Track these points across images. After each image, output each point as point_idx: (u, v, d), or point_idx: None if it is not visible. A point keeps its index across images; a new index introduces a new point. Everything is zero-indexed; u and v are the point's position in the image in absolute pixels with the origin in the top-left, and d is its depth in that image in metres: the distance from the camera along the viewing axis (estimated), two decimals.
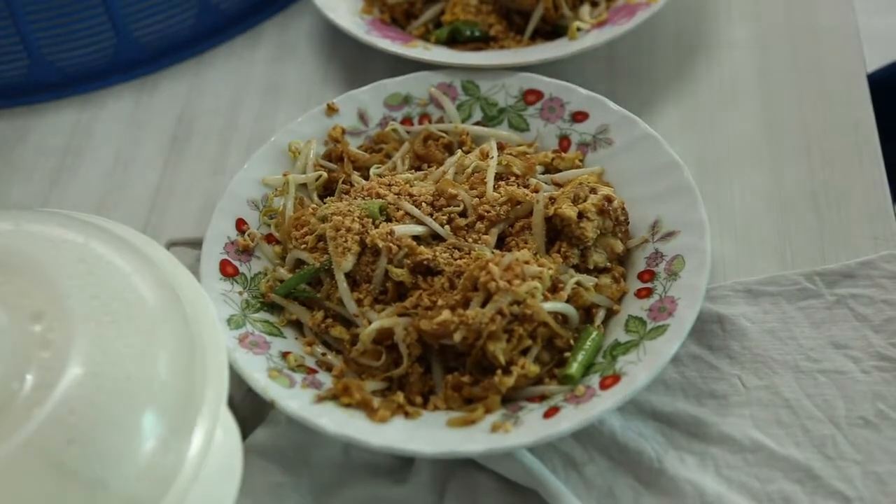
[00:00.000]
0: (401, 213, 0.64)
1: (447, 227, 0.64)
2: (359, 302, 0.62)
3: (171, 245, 0.70)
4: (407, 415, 0.58)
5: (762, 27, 0.83)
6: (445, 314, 0.58)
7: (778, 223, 0.70)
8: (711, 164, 0.74)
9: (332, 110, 0.74)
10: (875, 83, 0.79)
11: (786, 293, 0.65)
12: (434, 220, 0.64)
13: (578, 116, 0.72)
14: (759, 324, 0.63)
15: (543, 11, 0.79)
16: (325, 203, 0.68)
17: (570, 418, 0.55)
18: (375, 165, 0.71)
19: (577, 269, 0.63)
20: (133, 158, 0.81)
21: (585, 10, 0.80)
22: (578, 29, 0.78)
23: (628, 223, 0.65)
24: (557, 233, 0.63)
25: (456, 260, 0.62)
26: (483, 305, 0.58)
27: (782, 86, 0.79)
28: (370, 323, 0.61)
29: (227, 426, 0.50)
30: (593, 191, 0.64)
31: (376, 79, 0.77)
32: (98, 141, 0.83)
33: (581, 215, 0.62)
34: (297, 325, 0.65)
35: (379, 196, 0.65)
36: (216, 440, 0.46)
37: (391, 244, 0.62)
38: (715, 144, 0.75)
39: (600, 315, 0.62)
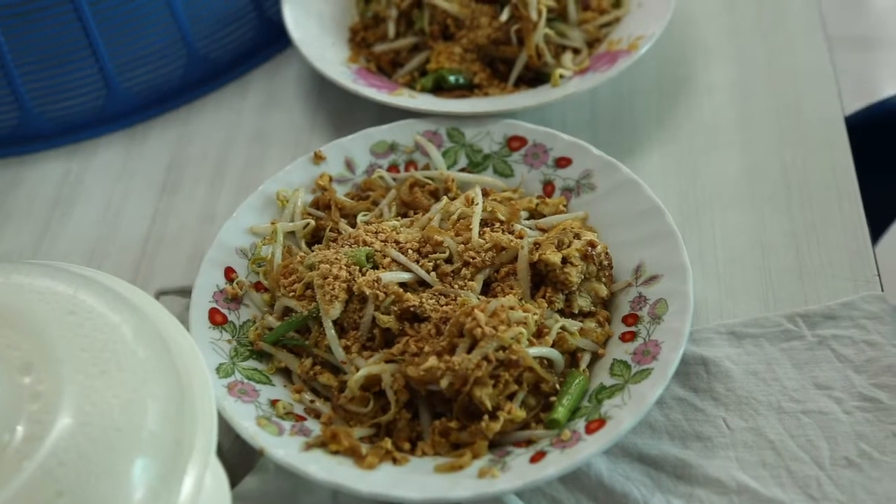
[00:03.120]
0: (387, 260, 0.65)
1: (433, 273, 0.65)
2: (346, 349, 0.63)
3: (160, 294, 0.70)
4: (395, 461, 0.58)
5: (741, 72, 0.85)
6: (432, 360, 0.58)
7: (759, 265, 0.71)
8: (693, 207, 0.75)
9: (319, 158, 0.75)
10: (854, 124, 0.81)
11: (768, 335, 0.65)
12: (420, 266, 0.65)
13: (562, 162, 0.73)
14: (742, 365, 0.64)
15: (527, 59, 0.81)
16: (312, 251, 0.69)
17: (557, 463, 0.55)
18: (362, 213, 0.72)
19: (562, 313, 0.64)
20: (123, 207, 0.82)
21: (568, 57, 0.82)
22: (561, 76, 0.79)
23: (612, 268, 0.66)
24: (542, 278, 0.64)
25: (442, 306, 0.63)
26: (469, 351, 0.59)
27: (762, 129, 0.80)
28: (358, 370, 0.61)
29: (217, 474, 0.50)
30: (577, 236, 0.65)
31: (363, 126, 0.78)
32: (88, 190, 0.84)
33: (565, 261, 0.63)
34: (286, 373, 0.65)
35: (366, 243, 0.66)
36: (205, 489, 0.47)
37: (378, 291, 0.62)
38: (696, 188, 0.77)
39: (585, 359, 0.63)
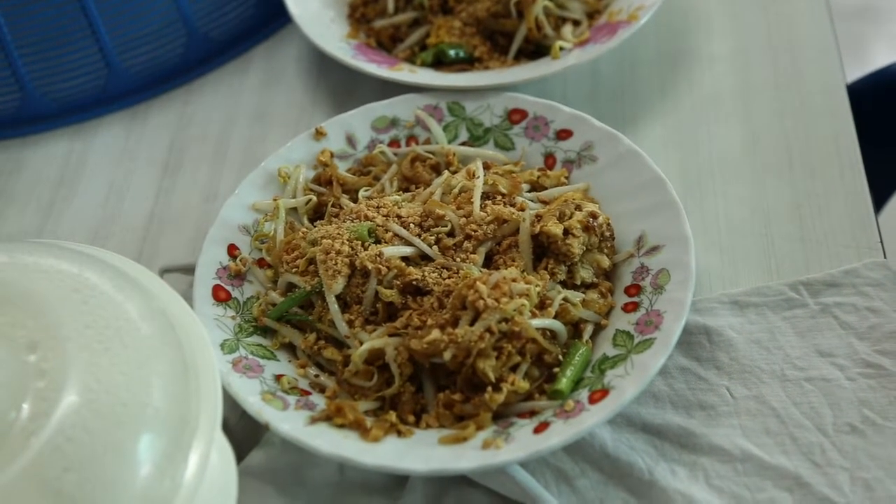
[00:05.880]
0: (389, 234, 0.65)
1: (435, 247, 0.65)
2: (350, 323, 0.63)
3: (164, 272, 0.71)
4: (399, 434, 0.59)
5: (742, 42, 0.85)
6: (435, 333, 0.59)
7: (762, 234, 0.71)
8: (695, 177, 0.75)
9: (320, 134, 0.75)
10: (855, 92, 0.80)
11: (771, 303, 0.65)
12: (422, 240, 0.65)
13: (563, 134, 0.73)
14: (745, 334, 0.64)
15: (526, 32, 0.81)
16: (315, 227, 0.69)
17: (560, 433, 0.56)
18: (364, 188, 0.72)
19: (565, 284, 0.64)
20: (126, 187, 0.82)
21: (568, 29, 0.81)
22: (561, 48, 0.79)
23: (614, 238, 0.66)
24: (544, 250, 0.64)
25: (445, 279, 0.63)
26: (472, 324, 0.59)
27: (763, 99, 0.80)
28: (361, 344, 0.61)
29: (222, 449, 0.51)
30: (578, 208, 0.65)
31: (363, 101, 0.78)
32: (91, 171, 0.84)
33: (567, 232, 0.63)
34: (290, 348, 0.66)
35: (367, 218, 0.66)
36: (211, 464, 0.47)
37: (380, 266, 0.63)
38: (698, 158, 0.76)
39: (588, 330, 0.63)
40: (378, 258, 0.63)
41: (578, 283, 0.64)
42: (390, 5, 0.86)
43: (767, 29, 0.85)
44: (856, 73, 0.83)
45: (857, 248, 0.69)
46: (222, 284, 0.67)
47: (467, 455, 0.56)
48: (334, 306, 0.63)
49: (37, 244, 0.55)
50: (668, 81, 0.82)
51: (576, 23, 0.83)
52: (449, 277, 0.63)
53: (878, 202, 0.76)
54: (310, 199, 0.71)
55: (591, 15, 0.84)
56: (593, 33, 0.80)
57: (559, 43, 0.79)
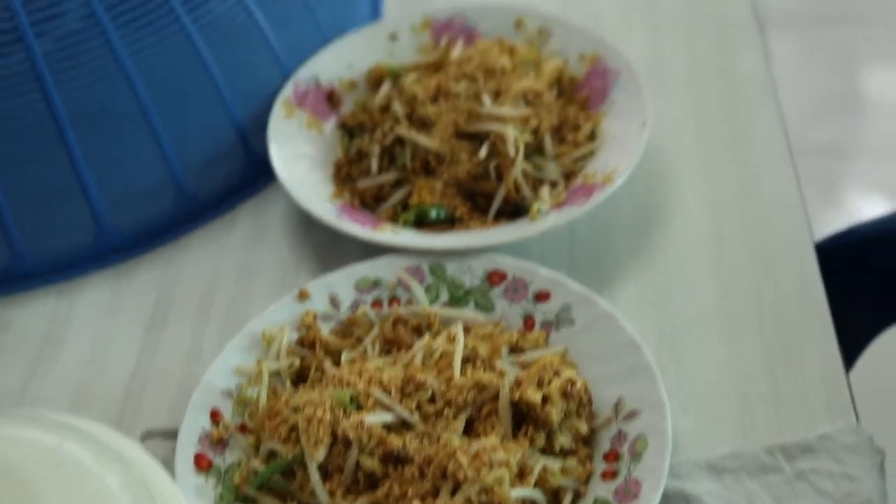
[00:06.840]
0: (371, 400, 0.66)
1: (416, 413, 0.66)
2: (331, 493, 0.63)
3: (146, 436, 0.71)
4: None
5: (714, 201, 0.87)
6: None
7: (736, 394, 0.72)
8: (670, 336, 0.77)
9: (304, 296, 0.77)
10: (825, 250, 0.83)
11: (747, 468, 0.66)
12: (403, 406, 0.66)
13: (541, 296, 0.75)
14: (723, 500, 0.64)
15: (505, 193, 0.83)
16: (298, 390, 0.70)
17: None
18: (347, 350, 0.73)
19: (544, 451, 0.65)
20: (110, 346, 0.83)
21: (545, 190, 0.84)
22: (539, 210, 0.81)
23: (591, 403, 0.67)
24: (524, 416, 0.65)
25: (425, 447, 0.63)
26: (453, 494, 0.59)
27: (735, 258, 0.82)
28: None
29: None
30: (557, 373, 0.66)
31: (349, 259, 0.80)
32: (76, 329, 0.84)
33: (545, 399, 0.64)
34: None
35: (349, 384, 0.67)
36: None
37: (362, 434, 0.63)
38: (672, 318, 0.78)
39: (567, 498, 0.63)
40: (360, 426, 0.63)
41: (557, 449, 0.65)
42: (374, 166, 0.89)
43: (737, 189, 0.88)
44: (825, 211, 0.86)
45: (829, 409, 0.70)
46: (204, 452, 0.67)
47: None
48: (315, 476, 0.63)
49: (18, 416, 0.56)
50: (643, 240, 0.85)
51: (553, 184, 0.86)
52: (430, 445, 0.63)
53: (849, 360, 0.78)
54: (293, 363, 0.72)
55: (568, 176, 0.87)
56: (570, 195, 0.83)
57: (537, 205, 0.82)
